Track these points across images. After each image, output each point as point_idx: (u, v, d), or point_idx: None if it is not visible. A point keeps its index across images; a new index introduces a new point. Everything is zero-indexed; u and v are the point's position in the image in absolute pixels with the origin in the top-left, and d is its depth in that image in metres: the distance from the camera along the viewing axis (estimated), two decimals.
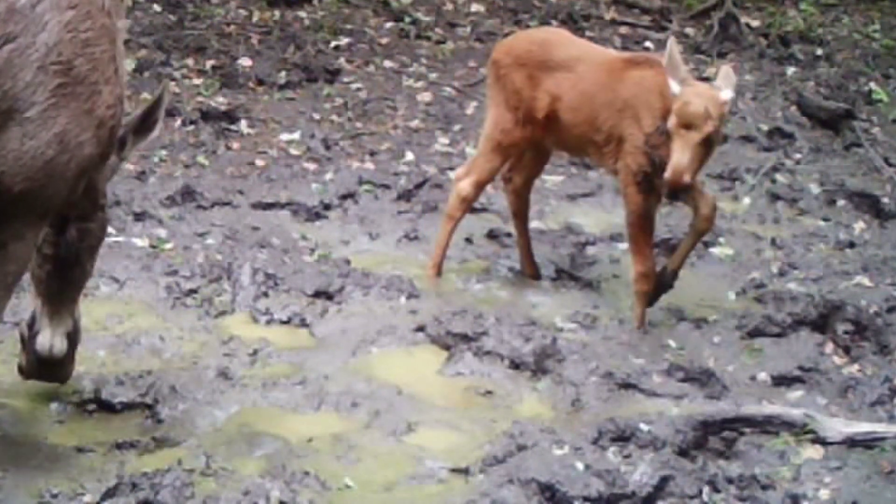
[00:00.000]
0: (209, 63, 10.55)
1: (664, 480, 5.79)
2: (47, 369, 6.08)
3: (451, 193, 7.84)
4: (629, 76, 7.24)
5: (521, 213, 7.90)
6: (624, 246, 8.35)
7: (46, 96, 5.33)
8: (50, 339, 5.98)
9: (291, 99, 10.27)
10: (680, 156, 6.83)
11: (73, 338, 6.07)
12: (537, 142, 7.64)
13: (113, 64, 5.52)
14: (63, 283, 5.96)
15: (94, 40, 5.42)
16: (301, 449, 6.04)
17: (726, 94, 6.92)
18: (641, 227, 7.27)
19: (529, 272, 7.89)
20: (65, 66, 5.36)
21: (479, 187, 7.76)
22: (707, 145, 6.90)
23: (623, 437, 6.12)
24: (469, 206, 7.82)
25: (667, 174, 6.85)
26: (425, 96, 10.55)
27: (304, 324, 7.24)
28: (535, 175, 7.95)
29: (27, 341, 6.07)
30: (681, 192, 6.98)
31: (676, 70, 6.95)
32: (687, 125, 6.83)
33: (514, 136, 7.58)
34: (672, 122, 6.86)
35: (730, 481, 5.88)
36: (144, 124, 5.94)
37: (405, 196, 8.89)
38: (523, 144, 7.65)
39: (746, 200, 9.27)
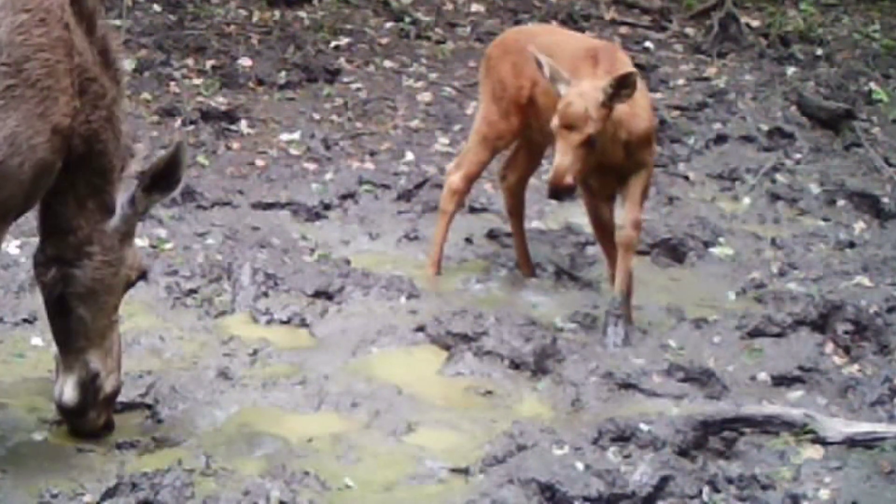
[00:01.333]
0: (209, 63, 10.55)
1: (664, 480, 5.78)
2: (66, 418, 5.97)
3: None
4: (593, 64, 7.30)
5: (516, 212, 7.95)
6: None
7: None
8: (60, 388, 5.88)
9: (291, 99, 10.27)
10: (562, 157, 6.78)
11: (91, 386, 5.85)
12: (523, 134, 7.72)
13: (69, 77, 5.45)
14: (62, 332, 5.83)
15: (47, 47, 5.37)
16: (301, 449, 6.04)
17: (604, 94, 6.79)
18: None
19: (525, 271, 7.91)
20: (14, 68, 5.31)
21: (469, 180, 7.85)
22: (589, 146, 6.81)
23: (623, 437, 6.12)
24: (461, 198, 7.89)
25: (549, 175, 6.84)
26: (425, 96, 10.55)
27: (304, 324, 7.24)
28: (528, 173, 8.01)
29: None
30: (563, 193, 6.88)
31: (559, 74, 6.92)
32: (568, 126, 6.78)
33: (499, 128, 7.69)
34: (554, 122, 6.83)
35: (730, 481, 5.88)
36: (162, 183, 5.82)
37: (405, 196, 8.89)
38: (509, 137, 7.76)
39: (746, 200, 9.27)
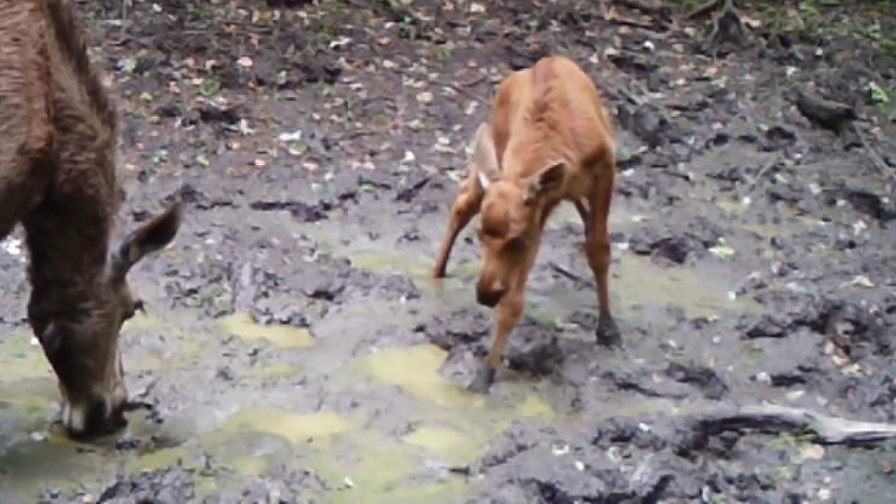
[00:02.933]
0: (209, 63, 10.55)
1: (664, 480, 5.79)
2: (73, 437, 6.04)
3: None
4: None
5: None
6: (624, 246, 8.37)
7: None
8: (69, 416, 5.97)
9: (291, 99, 10.27)
10: (487, 264, 6.33)
11: (98, 412, 5.94)
12: None
13: (43, 102, 5.39)
14: (65, 374, 5.91)
15: (18, 65, 5.32)
16: (301, 449, 6.04)
17: (529, 193, 6.28)
18: None
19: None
20: None
21: (471, 206, 7.60)
22: (516, 249, 6.34)
23: (623, 437, 6.12)
24: (463, 219, 7.77)
25: (476, 280, 6.42)
26: (425, 96, 10.55)
27: (304, 324, 7.24)
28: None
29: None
30: (494, 299, 6.39)
31: (485, 161, 6.44)
32: (490, 231, 6.31)
33: None
34: (477, 226, 6.43)
35: (730, 481, 5.88)
36: (155, 236, 5.82)
37: (405, 196, 8.89)
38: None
39: (746, 200, 9.27)
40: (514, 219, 6.27)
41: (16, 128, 5.33)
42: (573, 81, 6.91)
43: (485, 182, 6.40)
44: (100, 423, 5.98)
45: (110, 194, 5.72)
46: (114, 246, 5.79)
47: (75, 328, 5.78)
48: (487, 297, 6.36)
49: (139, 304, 6.08)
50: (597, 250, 7.01)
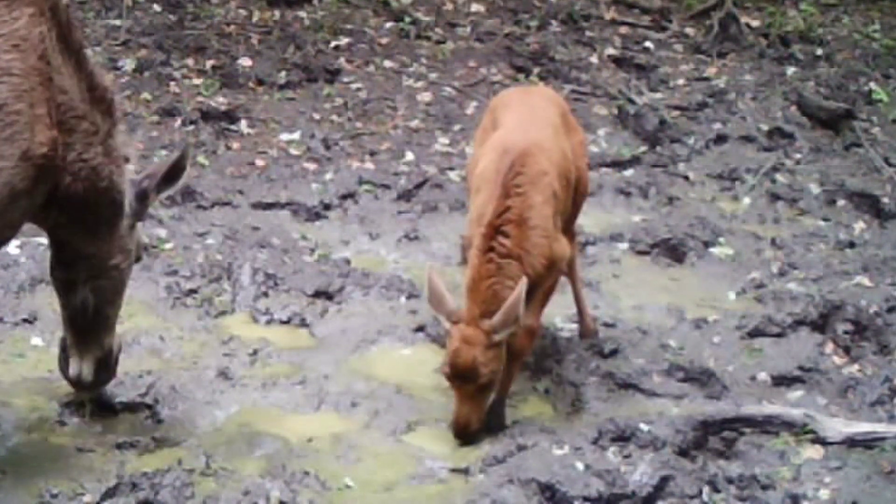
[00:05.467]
0: (209, 63, 10.54)
1: (664, 480, 5.79)
2: (81, 391, 6.13)
3: None
4: None
5: None
6: (624, 246, 8.36)
7: None
8: (78, 368, 5.99)
9: (291, 99, 10.27)
10: (460, 408, 6.17)
11: (105, 360, 6.04)
12: None
13: (46, 107, 5.40)
14: (86, 328, 5.96)
15: (19, 72, 5.33)
16: (301, 449, 6.04)
17: (499, 335, 6.07)
18: None
19: None
20: None
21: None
22: (488, 389, 6.21)
23: (623, 437, 6.13)
24: None
25: (452, 422, 6.23)
26: (425, 96, 10.54)
27: (304, 324, 7.24)
28: None
29: (61, 359, 6.08)
30: (472, 438, 6.20)
31: (441, 304, 6.21)
32: (459, 377, 6.13)
33: None
34: (445, 369, 6.19)
35: (730, 481, 5.88)
36: (168, 177, 5.92)
37: (405, 196, 8.89)
38: None
39: (746, 200, 9.27)
40: (482, 363, 6.08)
41: (18, 134, 5.33)
42: (540, 173, 6.38)
43: (445, 324, 6.20)
44: (105, 372, 6.05)
45: (121, 175, 5.78)
46: (129, 194, 5.84)
47: (105, 285, 5.88)
48: (467, 437, 6.20)
49: (146, 247, 6.22)
50: (525, 332, 6.35)
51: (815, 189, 9.46)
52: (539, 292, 6.40)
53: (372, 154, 9.53)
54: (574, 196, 6.80)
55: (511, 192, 6.26)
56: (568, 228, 6.86)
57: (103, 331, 5.98)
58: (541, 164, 6.39)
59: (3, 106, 5.29)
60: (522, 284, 6.08)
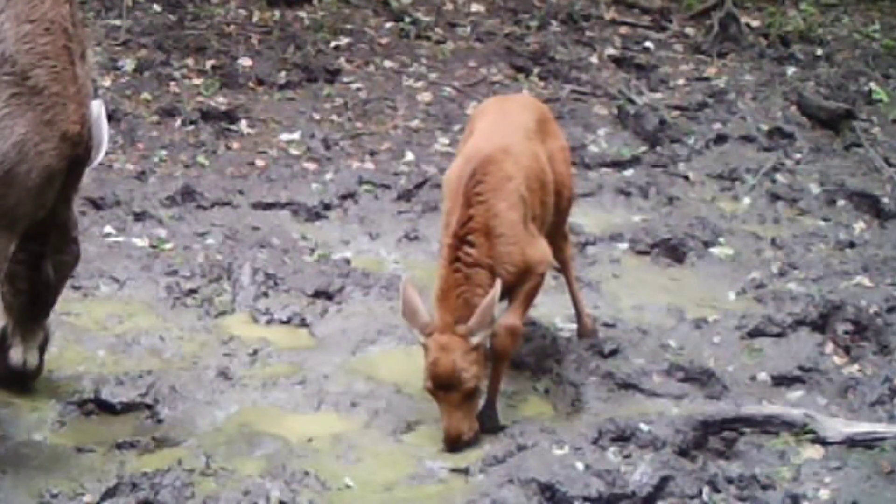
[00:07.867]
0: (209, 63, 10.55)
1: (664, 480, 5.79)
2: (21, 379, 6.15)
3: None
4: None
5: None
6: (624, 246, 8.37)
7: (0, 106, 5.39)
8: (23, 355, 6.05)
9: (291, 99, 10.27)
10: (449, 419, 6.09)
11: (44, 346, 6.15)
12: None
13: (75, 84, 5.57)
14: (37, 310, 6.02)
15: (53, 55, 5.49)
16: (301, 449, 6.05)
17: (475, 337, 6.05)
18: None
19: None
20: (19, 77, 5.42)
21: None
22: (474, 397, 6.15)
23: (623, 437, 6.13)
24: None
25: (443, 435, 6.15)
26: (425, 96, 10.54)
27: (304, 324, 7.24)
28: None
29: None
30: (464, 447, 6.11)
31: (415, 317, 6.12)
32: (442, 387, 6.07)
33: None
34: (427, 384, 6.11)
35: (730, 481, 5.88)
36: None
37: (405, 196, 8.89)
38: None
39: (746, 200, 9.26)
40: (463, 368, 6.01)
41: (58, 116, 5.51)
42: (503, 179, 6.29)
43: (419, 338, 6.12)
44: (42, 359, 6.14)
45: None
46: None
47: (66, 259, 5.97)
48: (459, 447, 6.14)
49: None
50: (505, 333, 6.27)
51: (815, 189, 9.46)
52: (519, 292, 6.33)
53: (372, 154, 9.53)
54: (557, 201, 6.72)
55: (472, 200, 6.19)
56: (557, 232, 6.84)
57: (48, 313, 6.06)
58: (505, 170, 6.30)
59: (43, 90, 5.45)
60: (496, 287, 6.04)
